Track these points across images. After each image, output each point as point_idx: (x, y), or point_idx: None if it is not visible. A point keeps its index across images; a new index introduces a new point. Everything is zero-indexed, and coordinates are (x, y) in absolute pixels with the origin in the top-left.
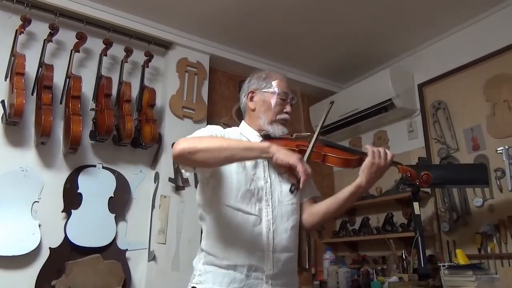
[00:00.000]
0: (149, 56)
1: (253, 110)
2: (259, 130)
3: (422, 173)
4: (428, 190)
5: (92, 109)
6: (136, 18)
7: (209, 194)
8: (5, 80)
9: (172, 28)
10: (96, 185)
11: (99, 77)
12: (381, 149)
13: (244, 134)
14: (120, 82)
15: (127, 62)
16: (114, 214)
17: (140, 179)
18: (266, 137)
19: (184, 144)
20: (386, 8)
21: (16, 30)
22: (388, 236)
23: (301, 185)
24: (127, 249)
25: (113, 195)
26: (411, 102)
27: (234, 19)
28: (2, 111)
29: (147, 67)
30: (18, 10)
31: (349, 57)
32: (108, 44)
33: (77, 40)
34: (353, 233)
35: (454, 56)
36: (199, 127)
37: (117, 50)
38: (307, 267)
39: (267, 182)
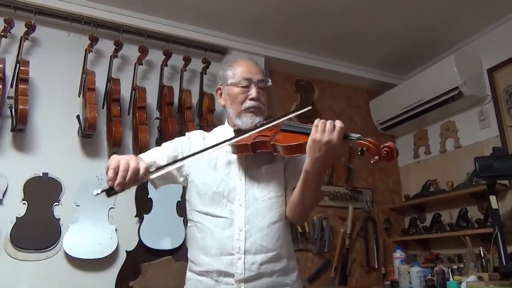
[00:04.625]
0: (207, 63)
1: (224, 107)
2: (234, 126)
3: (383, 146)
4: (506, 182)
5: (157, 118)
6: (192, 27)
7: (186, 201)
8: (79, 96)
9: (226, 34)
10: (164, 190)
11: (161, 87)
12: (328, 122)
13: (223, 133)
14: (181, 90)
15: (186, 70)
16: (183, 218)
17: None
18: (237, 132)
19: None
20: None
21: (86, 49)
22: (463, 232)
23: (110, 186)
24: None
25: (180, 199)
26: (481, 88)
27: (286, 20)
28: (78, 125)
29: (205, 73)
30: (86, 30)
31: (409, 46)
32: (167, 54)
33: (140, 54)
34: (424, 230)
35: None
36: None
37: (176, 60)
38: (376, 266)
39: (241, 180)
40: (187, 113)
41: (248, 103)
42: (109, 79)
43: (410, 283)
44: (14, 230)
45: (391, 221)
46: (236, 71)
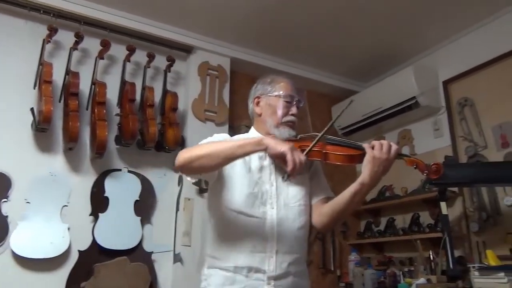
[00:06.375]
0: (171, 61)
1: (260, 115)
2: (267, 134)
3: (432, 164)
4: (456, 189)
5: (117, 115)
6: (158, 24)
7: (215, 198)
8: (34, 88)
9: (193, 33)
10: (122, 189)
11: (123, 83)
12: (384, 142)
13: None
14: (143, 87)
15: (149, 67)
16: (140, 217)
17: (164, 182)
18: None
19: (184, 154)
20: (407, 5)
21: (44, 40)
22: (415, 236)
23: (290, 173)
24: (152, 252)
25: (138, 198)
26: (436, 99)
27: (254, 22)
28: (32, 118)
29: (169, 71)
30: (45, 20)
31: (371, 55)
32: (131, 50)
33: (102, 48)
34: (378, 234)
35: (480, 51)
36: (221, 130)
37: (140, 56)
38: (332, 269)
39: (272, 185)
40: (149, 111)
41: (289, 118)
42: (68, 71)
43: (363, 285)
44: None
45: (348, 224)
46: (281, 87)
